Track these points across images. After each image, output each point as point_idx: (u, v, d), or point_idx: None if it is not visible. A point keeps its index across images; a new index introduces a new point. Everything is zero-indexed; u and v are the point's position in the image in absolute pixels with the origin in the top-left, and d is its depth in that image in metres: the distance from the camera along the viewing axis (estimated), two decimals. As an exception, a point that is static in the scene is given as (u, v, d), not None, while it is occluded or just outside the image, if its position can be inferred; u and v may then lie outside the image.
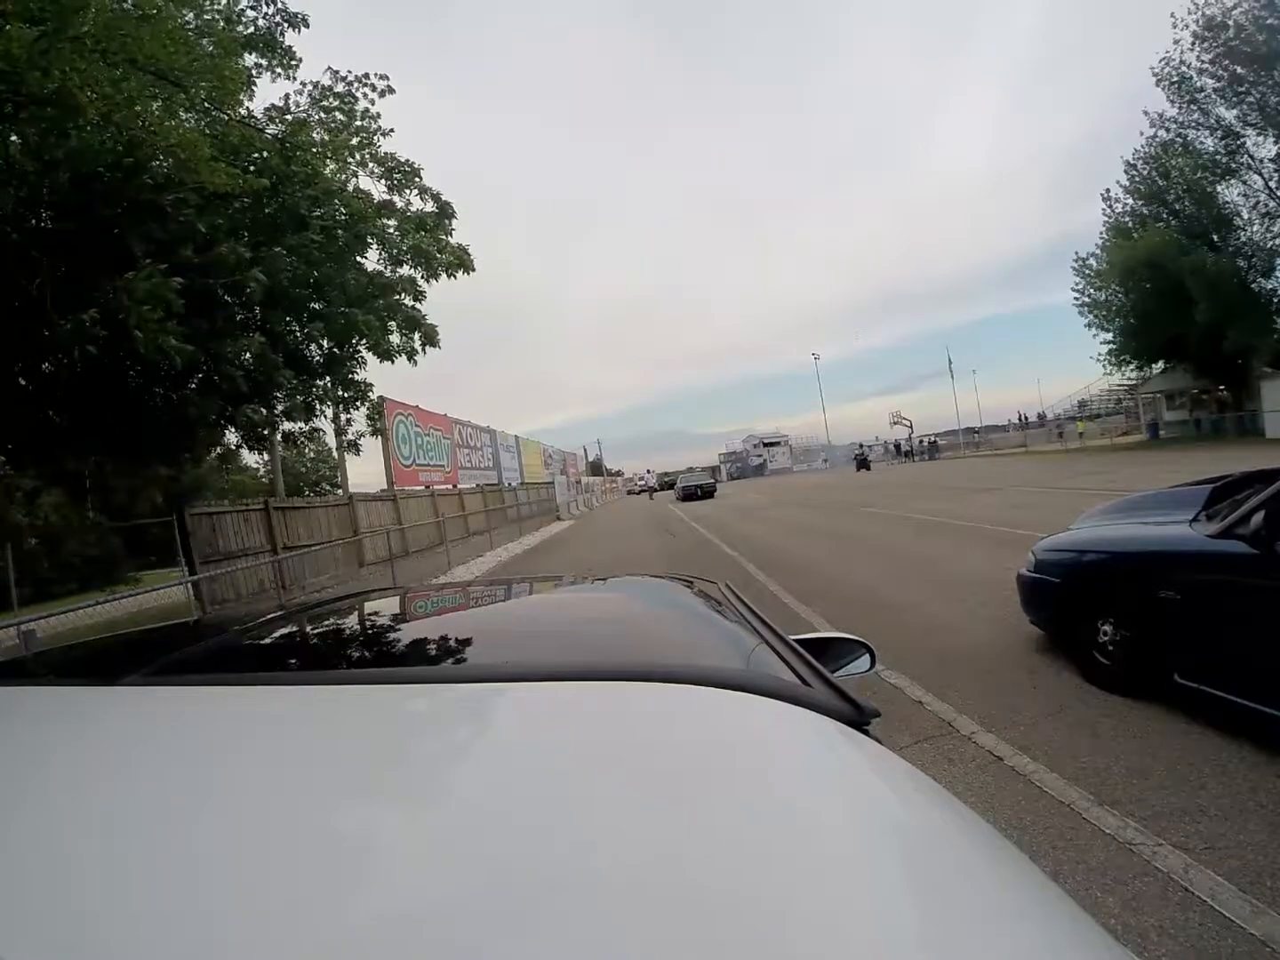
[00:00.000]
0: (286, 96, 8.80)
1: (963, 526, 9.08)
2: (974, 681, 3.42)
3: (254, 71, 8.21)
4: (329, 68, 8.69)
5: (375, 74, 8.71)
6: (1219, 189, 24.51)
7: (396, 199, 9.64)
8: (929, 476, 23.47)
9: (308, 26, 8.22)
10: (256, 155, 7.82)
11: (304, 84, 8.63)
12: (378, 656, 0.98)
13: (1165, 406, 30.39)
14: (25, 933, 0.31)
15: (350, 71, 8.70)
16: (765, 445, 76.91)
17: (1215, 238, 24.54)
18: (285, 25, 8.13)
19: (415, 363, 10.27)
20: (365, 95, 8.71)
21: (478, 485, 21.95)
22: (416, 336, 10.22)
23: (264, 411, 8.53)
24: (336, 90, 8.67)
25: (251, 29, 7.97)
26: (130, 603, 7.70)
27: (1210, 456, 15.18)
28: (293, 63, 8.37)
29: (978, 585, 5.40)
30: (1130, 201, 27.54)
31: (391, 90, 8.79)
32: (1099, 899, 1.78)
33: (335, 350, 9.36)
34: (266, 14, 8.02)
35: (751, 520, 15.08)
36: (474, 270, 10.48)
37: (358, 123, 8.78)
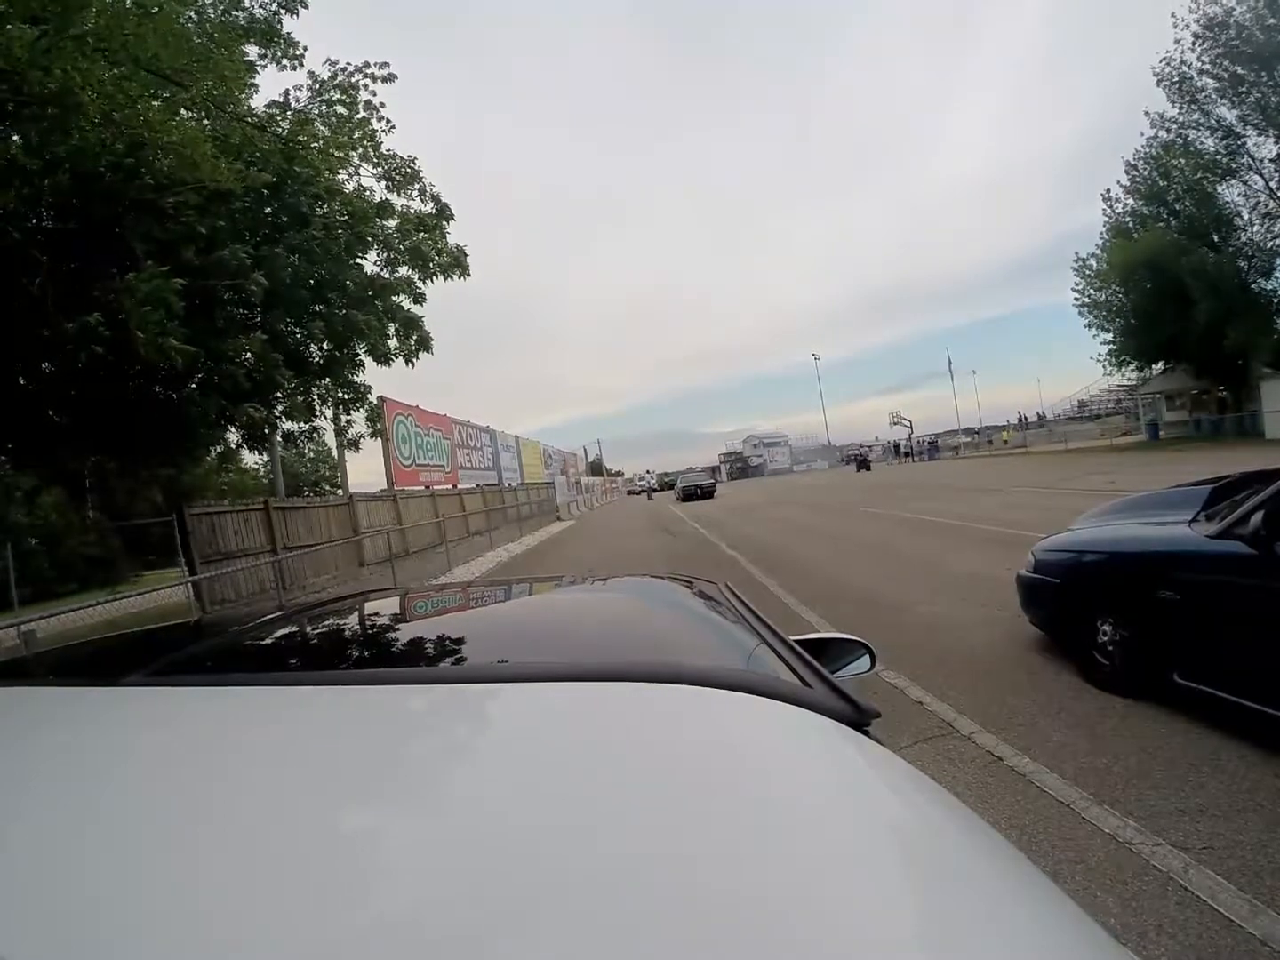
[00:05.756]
0: (286, 92, 8.79)
1: (962, 527, 9.08)
2: (974, 681, 3.42)
3: (257, 63, 8.17)
4: (328, 59, 8.66)
5: (375, 63, 8.67)
6: (1219, 189, 24.50)
7: (396, 198, 9.65)
8: (928, 477, 23.47)
9: (306, 7, 8.14)
10: (258, 154, 7.82)
11: (309, 73, 8.62)
12: (378, 656, 0.98)
13: (1165, 407, 30.36)
14: (26, 932, 0.31)
15: (350, 63, 8.67)
16: (765, 445, 76.99)
17: (1215, 238, 24.52)
18: (283, 12, 8.09)
19: (412, 365, 10.28)
20: (366, 86, 8.68)
21: (478, 485, 21.92)
22: (412, 340, 10.23)
23: (264, 410, 8.54)
24: (337, 82, 8.64)
25: (249, 17, 7.94)
26: (130, 603, 7.69)
27: (1210, 457, 15.18)
28: (297, 52, 8.33)
29: (977, 586, 5.40)
30: (1131, 202, 27.55)
31: (393, 77, 8.70)
32: (1098, 898, 1.78)
33: (335, 352, 9.36)
34: (263, 1, 7.99)
35: (751, 520, 15.07)
36: (469, 275, 10.48)
37: (360, 114, 8.71)
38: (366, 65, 8.65)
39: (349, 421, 10.46)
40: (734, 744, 0.53)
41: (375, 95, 8.73)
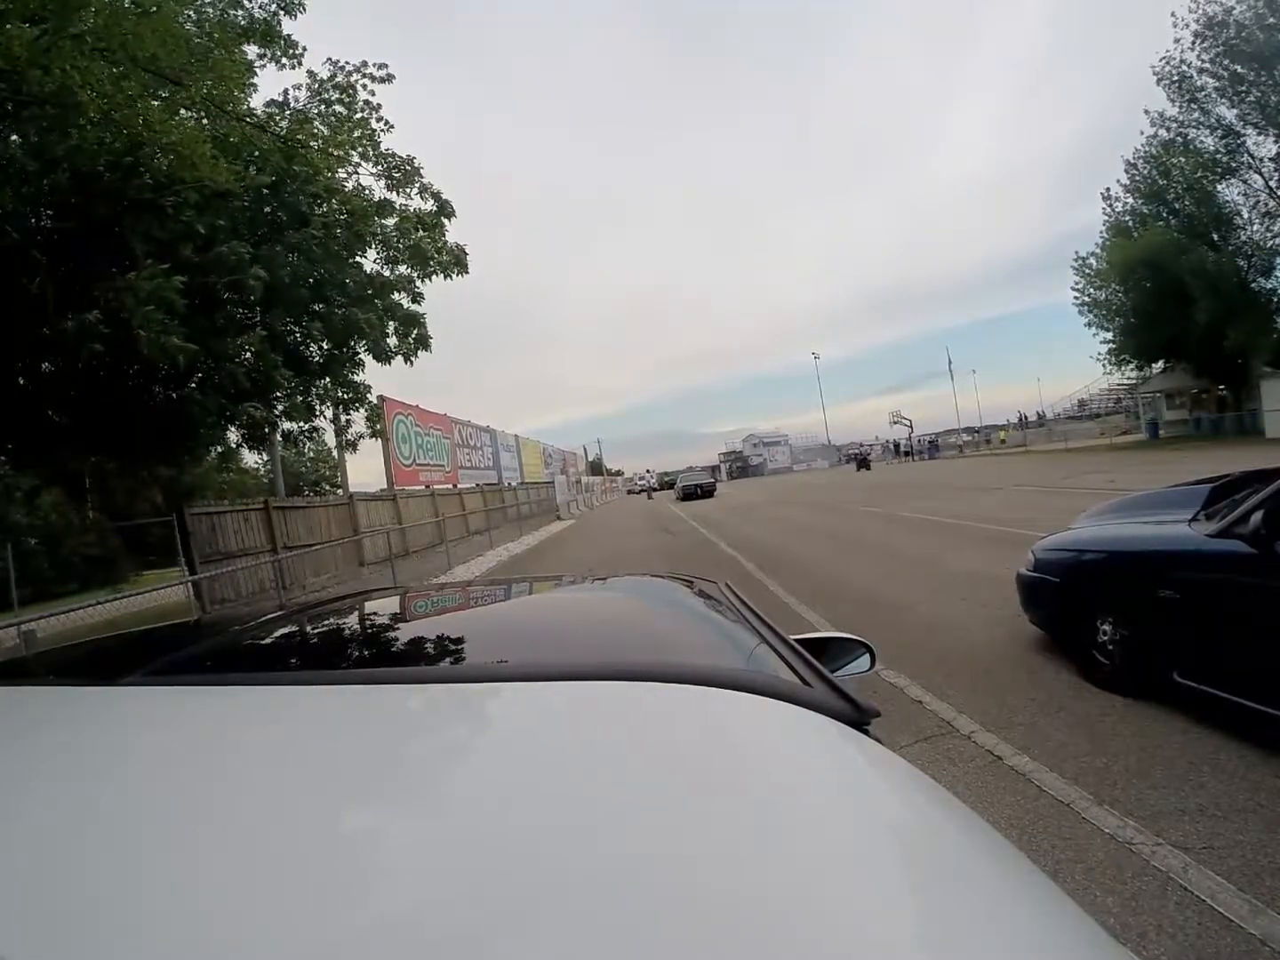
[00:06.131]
0: (285, 92, 8.79)
1: (961, 526, 9.08)
2: (973, 681, 3.42)
3: (256, 62, 8.18)
4: (328, 59, 8.68)
5: (373, 63, 8.73)
6: (1219, 188, 24.49)
7: (396, 197, 9.66)
8: (929, 476, 23.47)
9: (304, 10, 8.19)
10: (257, 153, 7.81)
11: (308, 72, 8.64)
12: (378, 656, 0.98)
13: (1165, 406, 30.36)
14: (25, 932, 0.31)
15: (348, 62, 8.69)
16: (765, 445, 77.00)
17: (1215, 237, 24.51)
18: (282, 13, 8.11)
19: (411, 364, 10.30)
20: (365, 86, 8.72)
21: (478, 485, 21.93)
22: (412, 338, 10.25)
23: (264, 410, 8.55)
24: (336, 81, 8.65)
25: (248, 16, 7.94)
26: (130, 602, 7.69)
27: (1210, 456, 15.18)
28: (296, 52, 8.35)
29: (977, 585, 5.40)
30: (1130, 200, 27.52)
31: (391, 77, 8.75)
32: (1098, 898, 1.78)
33: (335, 351, 9.38)
34: (262, 3, 8.01)
35: (751, 520, 15.07)
36: (468, 272, 10.50)
37: (358, 115, 8.75)
38: (365, 65, 8.68)
39: (349, 421, 10.48)
40: (734, 743, 0.53)
41: (374, 95, 8.77)
